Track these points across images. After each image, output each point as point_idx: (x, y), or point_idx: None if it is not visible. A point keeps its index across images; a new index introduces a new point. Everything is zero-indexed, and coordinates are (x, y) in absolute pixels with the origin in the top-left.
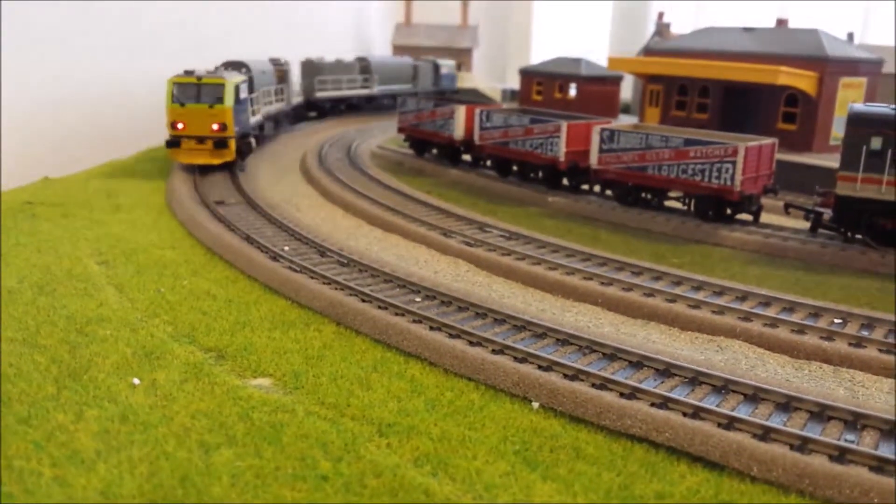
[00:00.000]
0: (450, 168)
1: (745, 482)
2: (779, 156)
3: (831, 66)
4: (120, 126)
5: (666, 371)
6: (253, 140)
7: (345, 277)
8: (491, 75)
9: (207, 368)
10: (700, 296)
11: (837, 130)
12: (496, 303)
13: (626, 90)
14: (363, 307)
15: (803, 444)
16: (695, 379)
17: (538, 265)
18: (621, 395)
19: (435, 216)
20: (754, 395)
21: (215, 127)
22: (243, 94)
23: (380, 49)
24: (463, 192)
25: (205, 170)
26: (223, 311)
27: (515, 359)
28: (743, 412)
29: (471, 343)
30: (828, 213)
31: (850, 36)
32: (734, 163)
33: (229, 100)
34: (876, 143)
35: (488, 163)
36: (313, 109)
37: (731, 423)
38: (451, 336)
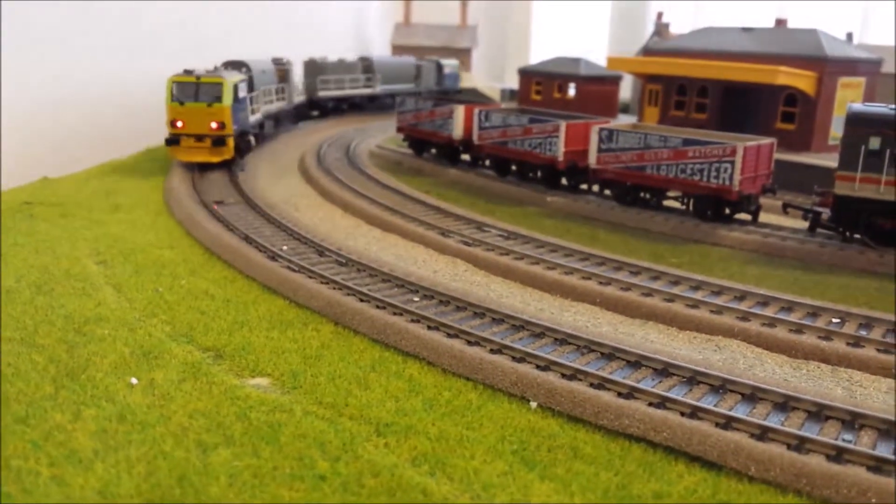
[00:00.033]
0: (448, 168)
1: (743, 482)
2: (777, 155)
3: (830, 66)
4: (120, 126)
5: (664, 371)
6: (252, 138)
7: (343, 277)
8: (490, 75)
9: (205, 368)
10: (698, 295)
11: (836, 130)
12: (494, 302)
13: (626, 90)
14: (361, 307)
15: (801, 444)
16: (693, 378)
17: (536, 265)
18: (619, 394)
19: (433, 216)
20: (752, 395)
21: (214, 125)
22: (242, 93)
23: (379, 49)
24: (462, 191)
25: (203, 169)
26: (221, 310)
27: (513, 358)
28: (741, 412)
29: (469, 342)
30: (826, 213)
31: (849, 36)
32: (733, 163)
33: (227, 98)
34: (874, 142)
35: (487, 162)
36: (316, 108)
37: (728, 423)
38: (449, 335)
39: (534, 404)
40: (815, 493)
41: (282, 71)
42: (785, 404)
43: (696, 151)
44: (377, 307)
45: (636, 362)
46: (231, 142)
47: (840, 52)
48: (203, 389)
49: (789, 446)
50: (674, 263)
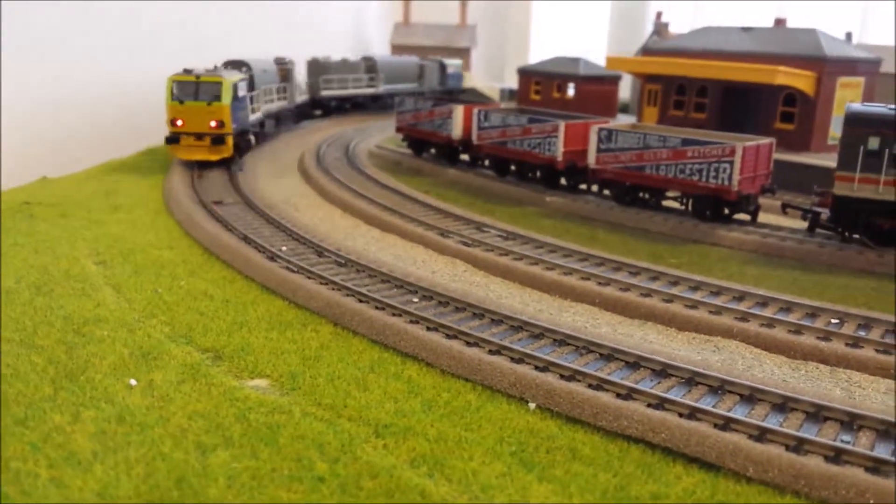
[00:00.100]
0: (448, 168)
1: (741, 483)
2: (777, 155)
3: (829, 66)
4: (120, 126)
5: (663, 371)
6: (252, 137)
7: (342, 277)
8: (489, 75)
9: (204, 369)
10: (697, 296)
11: (835, 130)
12: (493, 303)
13: (625, 90)
14: (360, 307)
15: (799, 445)
16: (691, 379)
17: (536, 265)
18: (618, 395)
19: (433, 216)
20: (751, 396)
21: (213, 124)
22: (242, 92)
23: (378, 48)
24: (461, 191)
25: (203, 167)
26: (220, 311)
27: (512, 359)
28: (739, 413)
29: (468, 343)
30: (825, 213)
31: (849, 36)
32: (732, 163)
33: (226, 97)
34: (873, 142)
35: (486, 162)
36: (319, 108)
37: (727, 424)
38: (448, 336)
39: (532, 405)
40: (814, 494)
41: (284, 70)
42: (783, 405)
43: (695, 151)
44: (376, 308)
45: (635, 363)
46: (230, 140)
47: (839, 52)
48: (202, 391)
49: (788, 447)
50: (673, 264)
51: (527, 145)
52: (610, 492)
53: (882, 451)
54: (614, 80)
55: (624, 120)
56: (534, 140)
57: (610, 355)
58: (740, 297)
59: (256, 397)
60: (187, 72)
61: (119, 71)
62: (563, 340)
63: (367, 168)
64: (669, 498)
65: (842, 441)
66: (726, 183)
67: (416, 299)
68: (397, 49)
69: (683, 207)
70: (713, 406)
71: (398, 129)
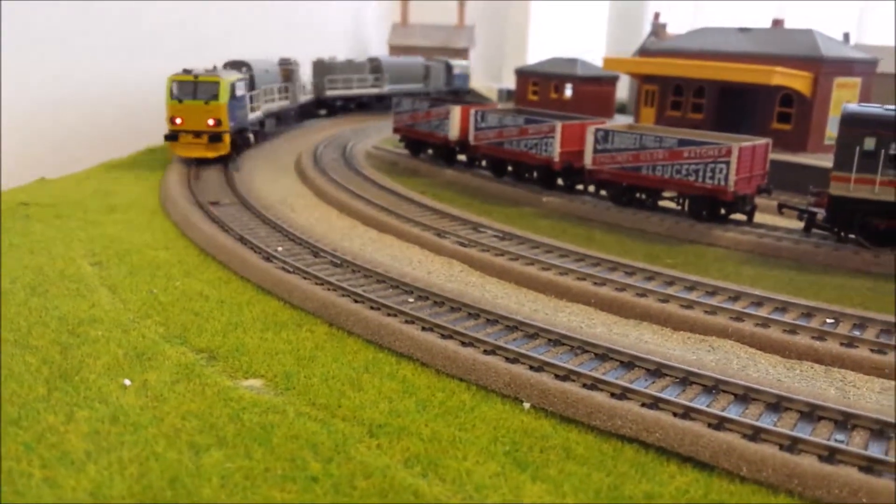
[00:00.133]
0: (445, 168)
1: (735, 482)
2: (773, 156)
3: (826, 67)
4: (119, 126)
5: (657, 371)
6: (252, 135)
7: (338, 278)
8: (487, 75)
9: (199, 369)
10: (693, 296)
11: (832, 130)
12: (489, 303)
13: (623, 90)
14: (356, 308)
15: (793, 445)
16: (686, 379)
17: (532, 265)
18: (612, 395)
19: (429, 217)
20: (745, 396)
21: (211, 122)
22: (240, 92)
23: (376, 49)
24: (458, 192)
25: (201, 164)
26: (215, 311)
27: (507, 359)
28: (733, 412)
29: (463, 343)
30: (821, 213)
31: (846, 36)
32: (728, 163)
33: (224, 97)
34: (869, 143)
35: (483, 163)
36: (323, 107)
37: (721, 424)
38: (443, 336)
39: (527, 405)
40: (807, 494)
41: (286, 71)
42: (778, 405)
43: (692, 152)
44: (372, 308)
45: (629, 363)
46: (227, 138)
47: (836, 53)
48: (196, 391)
49: (781, 447)
50: (669, 264)
51: (524, 146)
52: (603, 491)
53: (875, 451)
54: (612, 81)
55: (621, 120)
56: (531, 140)
57: (605, 355)
58: (736, 296)
59: (250, 397)
60: (186, 72)
61: (119, 71)
62: (558, 340)
63: (364, 169)
64: (663, 497)
65: (836, 440)
66: (723, 183)
67: (411, 300)
68: (395, 49)
69: (680, 208)
70: (707, 406)
71: (395, 130)
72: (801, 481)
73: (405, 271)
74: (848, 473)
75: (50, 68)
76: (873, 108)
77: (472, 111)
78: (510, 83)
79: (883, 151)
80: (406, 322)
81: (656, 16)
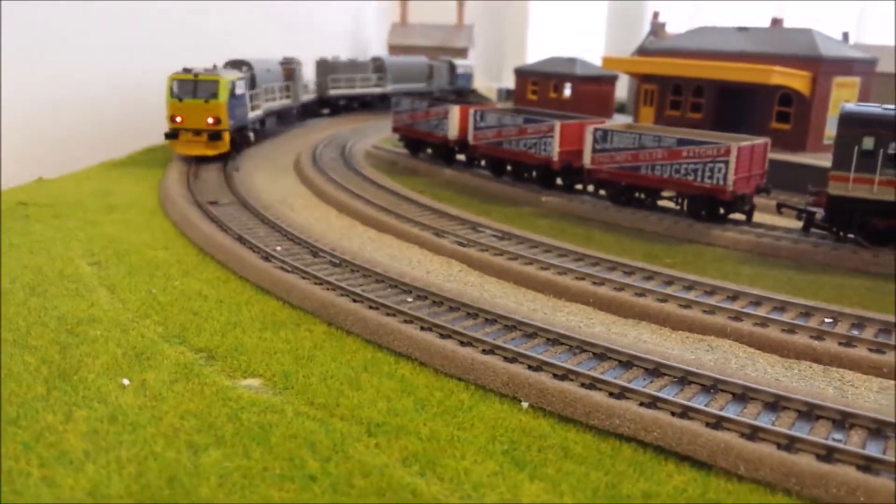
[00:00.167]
0: (444, 168)
1: (733, 481)
2: (773, 155)
3: (825, 66)
4: (119, 126)
5: (655, 371)
6: (251, 133)
7: (336, 278)
8: (487, 75)
9: (197, 369)
10: (691, 295)
11: (831, 130)
12: (488, 303)
13: (622, 90)
14: (354, 307)
15: (791, 444)
16: (684, 378)
17: (530, 265)
18: (610, 394)
19: (428, 216)
20: (743, 395)
21: (210, 120)
22: (240, 91)
23: (375, 49)
24: (457, 192)
25: (200, 165)
26: (214, 311)
27: (505, 359)
28: (731, 411)
29: (461, 343)
30: (820, 213)
31: (845, 36)
32: (727, 162)
33: (223, 95)
34: (868, 142)
35: (482, 163)
36: (327, 106)
37: (719, 423)
38: (441, 336)
39: (525, 404)
40: (805, 493)
41: (288, 70)
42: (776, 404)
43: (691, 151)
44: (370, 308)
45: (628, 362)
46: (227, 136)
47: (835, 52)
48: (195, 390)
49: (779, 446)
50: (668, 263)
51: (523, 145)
52: (601, 490)
53: (873, 450)
54: (611, 81)
55: (621, 120)
56: (530, 140)
57: (603, 354)
58: (734, 296)
59: (249, 397)
60: (187, 71)
61: (118, 71)
62: (556, 340)
63: (363, 168)
64: (660, 496)
65: (833, 439)
66: (721, 183)
67: (410, 299)
68: (394, 49)
69: (679, 207)
70: (705, 405)
71: (395, 130)
72: (799, 480)
73: (404, 271)
74: (846, 472)
75: (50, 68)
76: (872, 108)
77: (471, 111)
78: (510, 83)
79: (881, 151)
80: (405, 321)
81: (655, 15)
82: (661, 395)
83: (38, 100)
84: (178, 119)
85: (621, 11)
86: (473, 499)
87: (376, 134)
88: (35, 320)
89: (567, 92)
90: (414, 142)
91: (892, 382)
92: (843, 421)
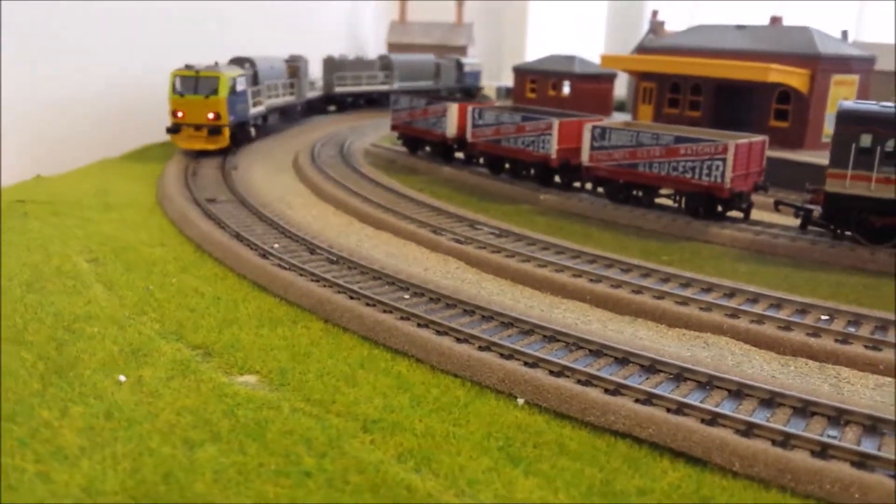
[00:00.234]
0: (442, 166)
1: (727, 478)
2: (771, 153)
3: (823, 64)
4: (118, 125)
5: (651, 367)
6: (252, 129)
7: (333, 275)
8: (486, 73)
9: (194, 365)
10: (688, 292)
11: (829, 128)
12: (484, 300)
13: (621, 88)
14: (351, 304)
15: (786, 440)
16: (680, 375)
17: (528, 262)
18: (606, 391)
19: (426, 214)
20: (738, 392)
21: (210, 116)
22: (240, 87)
23: (374, 47)
24: (455, 189)
25: (199, 162)
26: (211, 308)
27: (502, 356)
28: (726, 408)
29: (458, 340)
30: (817, 211)
31: (844, 34)
32: (724, 160)
33: (224, 91)
34: (865, 140)
35: (481, 160)
36: (333, 103)
37: (714, 419)
38: (438, 333)
39: (521, 401)
40: (800, 489)
41: (292, 67)
42: (771, 401)
43: (688, 149)
44: (367, 305)
45: (624, 359)
46: (227, 131)
47: (833, 50)
48: (191, 387)
49: (774, 442)
50: (665, 261)
51: (521, 143)
52: (596, 486)
53: (868, 446)
54: (610, 79)
55: (620, 118)
56: (528, 138)
57: (599, 351)
58: (731, 293)
59: (245, 393)
60: (188, 67)
61: (118, 70)
62: (552, 337)
63: (361, 166)
64: (655, 492)
65: (828, 436)
66: (719, 180)
67: (407, 296)
68: (393, 48)
69: (676, 205)
70: (701, 401)
71: (393, 128)
72: (794, 476)
73: (401, 268)
74: (840, 469)
75: (49, 67)
76: (869, 105)
77: (470, 108)
78: (509, 81)
79: (879, 148)
80: (401, 319)
81: (654, 13)
82: (656, 391)
83: (37, 98)
84: (180, 114)
85: (620, 10)
86: (468, 495)
87: (375, 132)
88: (32, 317)
89: (566, 90)
90: (412, 140)
91: (888, 379)
92: (839, 417)
